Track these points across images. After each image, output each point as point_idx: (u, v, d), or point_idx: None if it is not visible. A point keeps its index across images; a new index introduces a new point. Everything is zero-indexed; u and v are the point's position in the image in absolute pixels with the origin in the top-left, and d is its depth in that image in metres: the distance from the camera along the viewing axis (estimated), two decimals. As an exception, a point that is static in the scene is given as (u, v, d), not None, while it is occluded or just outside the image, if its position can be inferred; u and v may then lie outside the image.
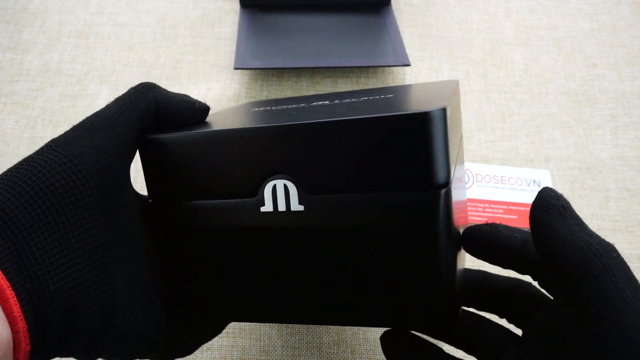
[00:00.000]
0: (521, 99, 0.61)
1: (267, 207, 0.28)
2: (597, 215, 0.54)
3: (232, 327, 0.47)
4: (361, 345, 0.46)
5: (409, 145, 0.24)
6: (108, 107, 0.28)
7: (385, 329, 0.34)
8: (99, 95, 0.59)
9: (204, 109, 0.32)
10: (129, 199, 0.28)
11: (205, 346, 0.46)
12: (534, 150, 0.57)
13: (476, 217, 0.53)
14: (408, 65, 0.62)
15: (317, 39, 0.62)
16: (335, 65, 0.58)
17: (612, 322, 0.21)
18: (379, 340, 0.46)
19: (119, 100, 0.28)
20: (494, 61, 0.64)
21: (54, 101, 0.59)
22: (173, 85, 0.60)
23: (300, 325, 0.47)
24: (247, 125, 0.27)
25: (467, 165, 0.56)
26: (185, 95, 0.31)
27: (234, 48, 0.63)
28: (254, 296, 0.30)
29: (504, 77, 0.63)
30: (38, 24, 0.65)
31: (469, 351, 0.31)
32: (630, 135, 0.59)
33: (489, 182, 0.55)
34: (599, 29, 0.67)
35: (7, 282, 0.21)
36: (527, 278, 0.32)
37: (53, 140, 0.25)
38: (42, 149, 0.25)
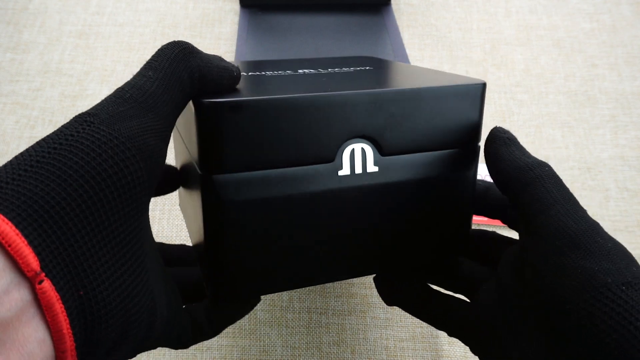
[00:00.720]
0: (521, 98, 0.61)
1: (345, 170, 0.28)
2: (597, 215, 0.54)
3: (232, 327, 0.47)
4: (361, 345, 0.46)
5: (466, 109, 0.30)
6: (148, 78, 0.23)
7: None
8: (99, 96, 0.59)
9: (239, 77, 0.28)
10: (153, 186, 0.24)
11: (205, 346, 0.46)
12: (534, 150, 0.57)
13: (476, 217, 0.53)
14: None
15: (317, 39, 0.62)
16: (335, 65, 0.58)
17: (543, 217, 0.26)
18: (378, 340, 0.47)
19: (158, 70, 0.24)
20: (494, 61, 0.64)
21: (54, 101, 0.59)
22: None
23: (300, 325, 0.47)
24: (310, 92, 0.27)
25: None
26: (221, 59, 0.27)
27: (234, 48, 0.63)
28: (305, 259, 0.30)
29: (504, 77, 0.63)
30: (38, 24, 0.65)
31: (449, 288, 0.35)
32: (630, 135, 0.59)
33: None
34: (599, 29, 0.67)
35: (57, 295, 0.18)
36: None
37: (91, 115, 0.21)
38: (81, 124, 0.21)
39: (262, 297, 0.47)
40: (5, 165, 0.20)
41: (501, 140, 0.30)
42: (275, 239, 0.29)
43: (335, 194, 0.28)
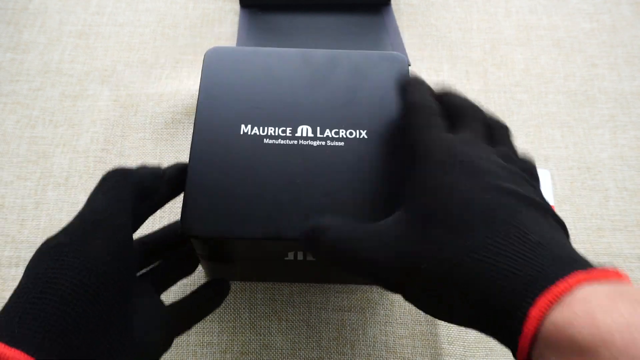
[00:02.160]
0: (521, 98, 0.61)
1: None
2: (597, 214, 0.54)
3: (233, 322, 0.47)
4: (360, 341, 0.46)
5: None
6: (100, 200, 0.30)
7: None
8: (100, 96, 0.59)
9: (163, 175, 0.35)
10: (134, 269, 0.31)
11: (205, 341, 0.46)
12: (533, 150, 0.57)
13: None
14: (408, 65, 0.62)
15: (317, 39, 0.62)
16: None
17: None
18: (378, 337, 0.47)
19: (106, 192, 0.31)
20: (493, 61, 0.64)
21: (55, 101, 0.59)
22: (173, 84, 0.60)
23: (299, 320, 0.47)
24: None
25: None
26: (144, 167, 0.35)
27: (234, 48, 0.63)
28: (267, 209, 0.34)
29: (503, 77, 0.63)
30: (38, 24, 0.65)
31: None
32: (629, 135, 0.59)
33: (489, 182, 0.55)
34: (599, 29, 0.67)
35: None
36: None
37: (65, 245, 0.28)
38: (59, 256, 0.27)
39: (262, 293, 0.47)
40: (16, 298, 0.27)
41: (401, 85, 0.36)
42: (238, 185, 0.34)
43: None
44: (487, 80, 0.63)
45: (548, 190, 0.55)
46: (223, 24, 0.66)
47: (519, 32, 0.67)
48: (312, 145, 0.35)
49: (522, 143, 0.58)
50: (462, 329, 0.47)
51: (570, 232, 0.53)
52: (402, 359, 0.46)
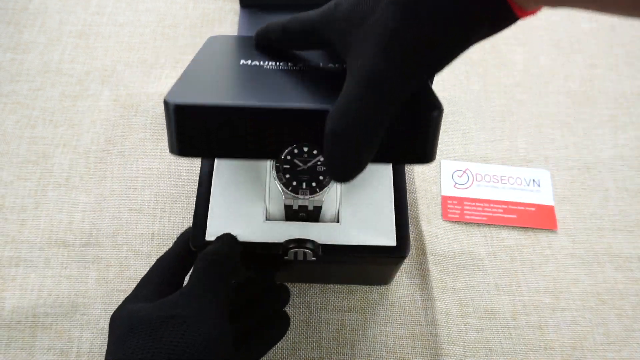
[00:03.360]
0: (521, 98, 0.61)
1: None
2: (597, 214, 0.54)
3: (232, 326, 0.47)
4: (360, 341, 0.46)
5: None
6: (208, 285, 0.35)
7: None
8: (100, 95, 0.59)
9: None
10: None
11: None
12: (533, 150, 0.57)
13: (476, 217, 0.53)
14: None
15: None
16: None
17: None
18: (378, 337, 0.47)
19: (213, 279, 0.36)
20: (494, 61, 0.64)
21: (55, 101, 0.59)
22: (172, 82, 0.60)
23: (300, 320, 0.47)
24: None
25: (467, 165, 0.56)
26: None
27: (234, 48, 0.63)
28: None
29: (503, 77, 0.63)
30: (38, 24, 0.65)
31: None
32: (629, 135, 0.59)
33: (489, 182, 0.55)
34: (598, 29, 0.67)
35: None
36: None
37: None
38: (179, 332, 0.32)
39: None
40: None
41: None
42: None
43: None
44: (487, 81, 0.63)
45: (548, 190, 0.55)
46: (223, 24, 0.66)
47: (519, 32, 0.67)
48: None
49: (522, 143, 0.58)
50: (462, 329, 0.47)
51: (570, 232, 0.53)
52: (402, 359, 0.46)
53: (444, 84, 0.62)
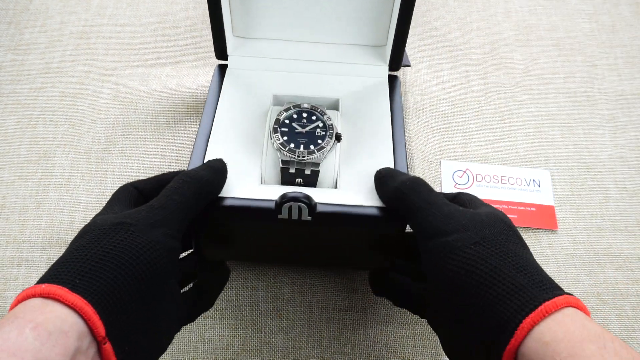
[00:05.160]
0: (521, 99, 0.61)
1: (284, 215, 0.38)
2: (597, 215, 0.54)
3: (234, 319, 0.47)
4: (361, 340, 0.46)
5: None
6: (173, 200, 0.34)
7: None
8: (100, 95, 0.59)
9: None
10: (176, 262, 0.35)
11: (207, 337, 0.46)
12: (533, 150, 0.58)
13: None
14: (408, 65, 0.62)
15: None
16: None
17: (412, 221, 0.36)
18: (379, 336, 0.47)
19: (182, 195, 0.35)
20: (493, 61, 0.64)
21: (55, 101, 0.59)
22: (172, 81, 0.60)
23: (301, 319, 0.47)
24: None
25: (467, 165, 0.56)
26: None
27: (234, 48, 0.63)
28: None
29: (503, 78, 0.63)
30: (39, 25, 0.65)
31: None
32: (629, 135, 0.59)
33: (489, 182, 0.55)
34: (598, 29, 0.67)
35: (112, 351, 0.28)
36: None
37: (132, 225, 0.32)
38: (125, 232, 0.31)
39: (263, 291, 0.48)
40: (77, 258, 0.29)
41: (378, 179, 0.40)
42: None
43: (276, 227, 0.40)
44: (487, 81, 0.63)
45: (548, 190, 0.55)
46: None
47: (519, 33, 0.67)
48: None
49: (522, 143, 0.58)
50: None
51: (570, 232, 0.53)
52: (403, 358, 0.46)
53: (444, 84, 0.62)
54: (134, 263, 0.30)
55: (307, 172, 0.40)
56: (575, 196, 0.55)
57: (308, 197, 0.37)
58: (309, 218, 0.38)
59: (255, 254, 0.47)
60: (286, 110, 0.45)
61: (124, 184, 0.38)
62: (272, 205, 0.38)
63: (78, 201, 0.53)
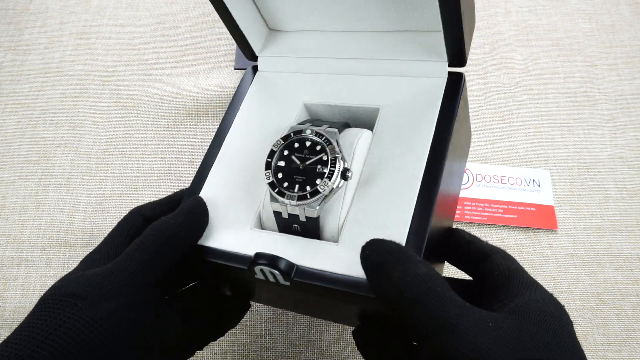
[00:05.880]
0: (520, 99, 0.61)
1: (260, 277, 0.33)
2: (597, 215, 0.54)
3: (233, 326, 0.47)
4: (361, 344, 0.46)
5: None
6: (134, 259, 0.30)
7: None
8: (100, 96, 0.59)
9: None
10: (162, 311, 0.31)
11: (206, 345, 0.46)
12: (533, 150, 0.58)
13: (476, 217, 0.53)
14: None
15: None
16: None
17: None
18: (379, 340, 0.47)
19: (143, 252, 0.31)
20: (493, 61, 0.64)
21: (55, 101, 0.59)
22: (173, 84, 0.60)
23: (300, 322, 0.47)
24: None
25: (467, 165, 0.56)
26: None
27: (234, 48, 0.63)
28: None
29: (503, 77, 0.63)
30: (39, 25, 0.65)
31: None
32: (629, 135, 0.59)
33: (489, 182, 0.55)
34: (598, 29, 0.67)
35: None
36: None
37: (80, 297, 0.28)
38: (71, 308, 0.28)
39: None
40: (22, 338, 0.27)
41: (368, 266, 0.29)
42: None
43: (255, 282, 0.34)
44: (487, 81, 0.63)
45: (548, 190, 0.55)
46: (223, 24, 0.66)
47: (519, 33, 0.67)
48: None
49: (522, 143, 0.58)
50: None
51: (570, 232, 0.53)
52: None
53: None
54: (77, 346, 0.27)
55: (302, 219, 0.33)
56: (575, 196, 0.55)
57: (281, 262, 0.31)
58: (287, 283, 0.32)
59: (251, 297, 0.41)
60: (284, 139, 0.35)
61: (133, 208, 0.36)
62: (246, 265, 0.32)
63: (78, 201, 0.53)
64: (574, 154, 0.58)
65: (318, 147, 0.33)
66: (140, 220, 0.34)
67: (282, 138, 0.35)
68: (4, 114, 0.58)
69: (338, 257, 0.32)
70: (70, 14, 0.66)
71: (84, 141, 0.56)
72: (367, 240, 0.29)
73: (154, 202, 0.36)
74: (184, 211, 0.33)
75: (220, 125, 0.40)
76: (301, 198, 0.32)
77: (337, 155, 0.33)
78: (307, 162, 0.33)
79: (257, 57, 0.43)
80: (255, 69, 0.43)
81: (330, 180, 0.32)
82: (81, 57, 0.63)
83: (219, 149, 0.38)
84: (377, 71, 0.39)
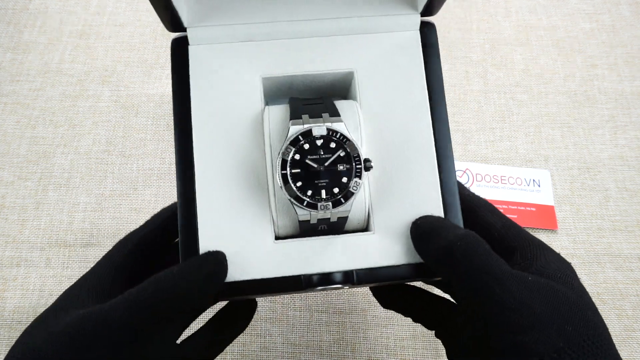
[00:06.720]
0: (521, 99, 0.61)
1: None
2: (597, 215, 0.54)
3: (233, 326, 0.47)
4: (361, 343, 0.46)
5: None
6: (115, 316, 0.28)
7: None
8: (100, 96, 0.59)
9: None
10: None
11: (205, 345, 0.46)
12: (533, 150, 0.57)
13: (476, 217, 0.53)
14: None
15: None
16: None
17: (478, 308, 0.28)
18: (379, 339, 0.47)
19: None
20: (493, 61, 0.64)
21: (55, 101, 0.59)
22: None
23: (301, 322, 0.47)
24: None
25: (467, 165, 0.56)
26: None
27: (234, 48, 0.63)
28: None
29: (503, 77, 0.63)
30: (39, 24, 0.65)
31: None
32: (629, 135, 0.59)
33: (489, 182, 0.55)
34: (598, 29, 0.67)
35: None
36: None
37: None
38: None
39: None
40: None
41: (416, 235, 0.31)
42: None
43: None
44: (487, 81, 0.63)
45: (548, 190, 0.55)
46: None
47: (519, 33, 0.67)
48: None
49: (522, 143, 0.58)
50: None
51: (570, 232, 0.53)
52: None
53: (443, 84, 0.62)
54: None
55: (334, 220, 0.31)
56: (575, 196, 0.55)
57: (336, 277, 0.30)
58: (346, 287, 0.32)
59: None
60: (292, 143, 0.31)
61: (122, 238, 0.33)
62: (300, 286, 0.31)
63: (77, 201, 0.53)
64: (574, 154, 0.58)
65: (332, 145, 0.31)
66: (128, 247, 0.32)
67: (291, 143, 0.31)
68: (4, 113, 0.58)
69: (381, 248, 0.32)
70: (69, 13, 0.66)
71: (83, 141, 0.56)
72: (402, 222, 0.32)
73: (141, 227, 0.34)
74: (202, 269, 0.29)
75: (176, 125, 0.33)
76: (336, 204, 0.30)
77: (356, 148, 0.31)
78: (326, 163, 0.31)
79: (184, 27, 0.34)
80: (181, 43, 0.34)
81: (359, 178, 0.31)
82: (81, 57, 0.62)
83: (191, 153, 0.33)
84: (342, 31, 0.35)
